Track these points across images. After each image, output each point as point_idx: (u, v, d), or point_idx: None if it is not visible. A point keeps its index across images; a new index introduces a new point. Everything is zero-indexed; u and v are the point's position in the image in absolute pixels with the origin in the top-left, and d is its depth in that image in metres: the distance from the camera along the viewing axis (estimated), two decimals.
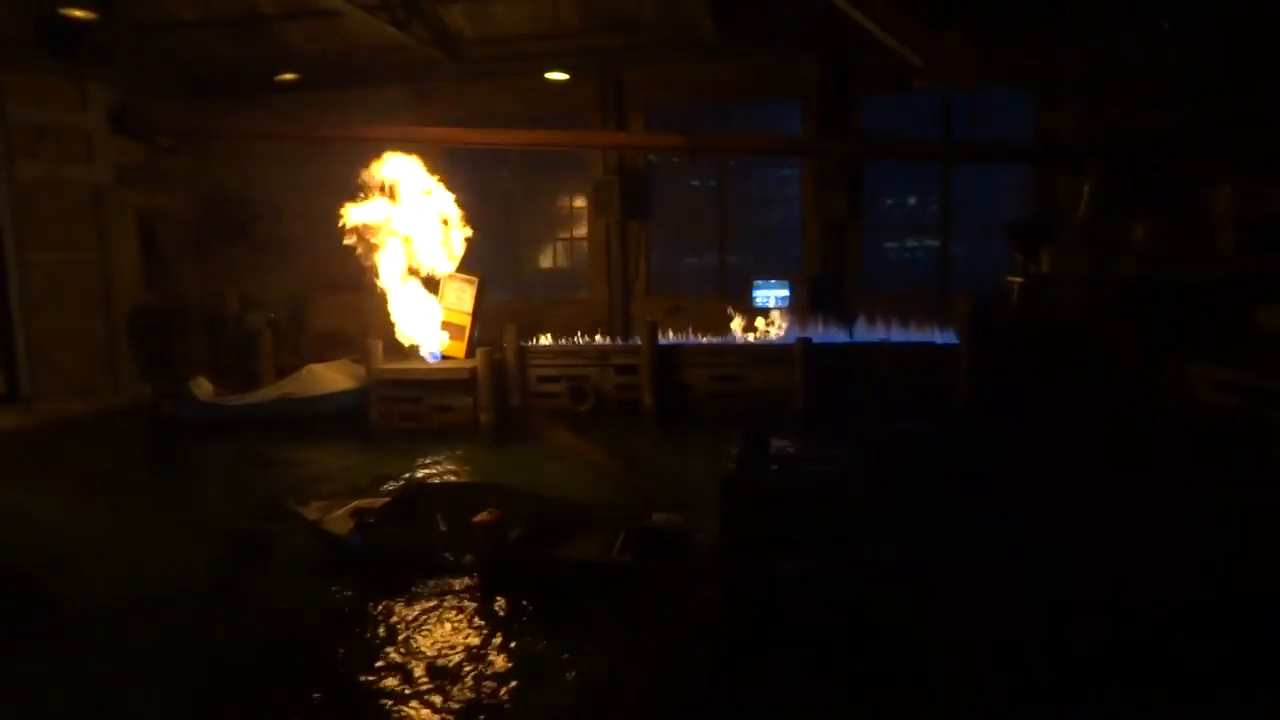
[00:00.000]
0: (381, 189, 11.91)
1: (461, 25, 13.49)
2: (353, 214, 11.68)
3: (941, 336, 11.89)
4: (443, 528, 6.64)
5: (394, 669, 4.90)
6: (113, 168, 12.74)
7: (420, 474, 9.23)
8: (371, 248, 11.87)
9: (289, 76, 14.30)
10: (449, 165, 15.31)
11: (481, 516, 6.43)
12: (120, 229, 13.01)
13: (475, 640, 5.22)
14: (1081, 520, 7.03)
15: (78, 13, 11.51)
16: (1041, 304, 11.64)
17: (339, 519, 6.94)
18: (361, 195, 11.87)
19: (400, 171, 11.97)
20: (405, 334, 12.14)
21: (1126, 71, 11.33)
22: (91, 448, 10.82)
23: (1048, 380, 10.71)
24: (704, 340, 12.62)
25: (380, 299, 12.29)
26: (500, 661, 4.97)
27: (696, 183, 14.87)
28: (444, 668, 4.88)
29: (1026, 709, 4.46)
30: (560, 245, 15.59)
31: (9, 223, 11.35)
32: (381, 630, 5.39)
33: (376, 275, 11.98)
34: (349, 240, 11.74)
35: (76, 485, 9.08)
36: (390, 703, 4.56)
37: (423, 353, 12.07)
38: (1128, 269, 10.75)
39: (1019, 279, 11.96)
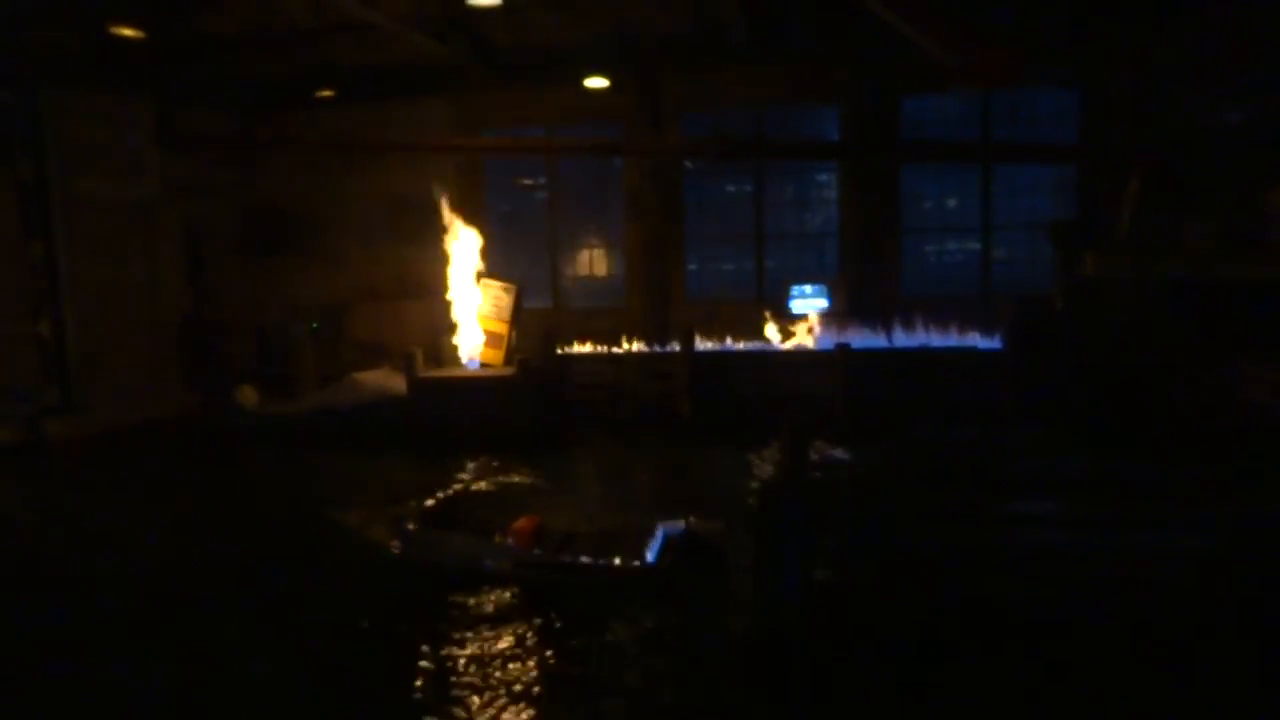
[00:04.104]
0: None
1: (498, 35, 13.61)
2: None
3: (983, 341, 11.69)
4: (482, 534, 6.66)
5: (427, 677, 4.91)
6: (159, 182, 13.05)
7: (460, 481, 9.27)
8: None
9: (327, 93, 14.56)
10: (486, 174, 15.45)
11: (520, 523, 6.44)
12: (167, 242, 13.33)
13: (511, 648, 5.21)
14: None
15: (128, 31, 11.82)
16: (1088, 307, 11.39)
17: (379, 526, 7.01)
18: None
19: None
20: (460, 341, 12.21)
21: (1174, 67, 11.07)
22: (142, 457, 11.08)
23: (1095, 386, 10.46)
24: (741, 346, 12.55)
25: (420, 308, 12.41)
26: (536, 670, 4.96)
27: (733, 188, 14.82)
28: (479, 676, 4.87)
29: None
30: (597, 252, 15.63)
31: (63, 238, 11.69)
32: (418, 639, 5.40)
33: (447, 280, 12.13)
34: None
35: (129, 493, 9.30)
36: (423, 712, 4.57)
37: (463, 360, 12.17)
38: (1178, 269, 10.47)
39: (1064, 282, 11.71)
